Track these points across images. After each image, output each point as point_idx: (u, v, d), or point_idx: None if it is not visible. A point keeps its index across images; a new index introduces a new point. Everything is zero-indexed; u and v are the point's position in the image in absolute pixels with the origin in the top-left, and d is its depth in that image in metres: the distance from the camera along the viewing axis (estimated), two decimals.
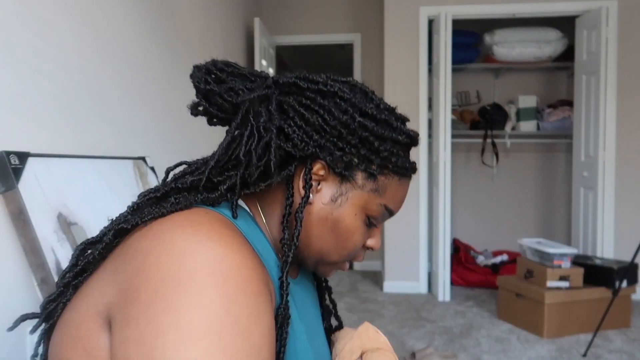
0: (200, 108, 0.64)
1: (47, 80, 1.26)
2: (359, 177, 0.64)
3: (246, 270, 0.51)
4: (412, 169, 0.67)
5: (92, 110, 1.49)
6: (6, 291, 1.06)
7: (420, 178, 3.59)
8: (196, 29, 2.52)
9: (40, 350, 0.63)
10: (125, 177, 1.51)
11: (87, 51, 1.47)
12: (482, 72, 4.23)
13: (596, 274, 2.80)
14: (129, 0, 1.75)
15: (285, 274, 0.60)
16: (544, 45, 3.82)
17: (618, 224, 3.39)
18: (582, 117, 3.52)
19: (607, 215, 3.38)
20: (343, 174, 0.63)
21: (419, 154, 3.57)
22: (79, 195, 1.23)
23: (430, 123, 3.63)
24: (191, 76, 0.63)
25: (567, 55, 3.85)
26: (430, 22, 3.56)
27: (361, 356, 0.75)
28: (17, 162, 1.06)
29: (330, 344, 0.81)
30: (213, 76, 0.62)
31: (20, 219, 1.04)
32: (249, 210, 0.66)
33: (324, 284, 0.83)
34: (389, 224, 3.63)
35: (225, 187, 0.61)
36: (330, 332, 0.84)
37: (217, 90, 0.61)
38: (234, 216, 0.60)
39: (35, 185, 1.09)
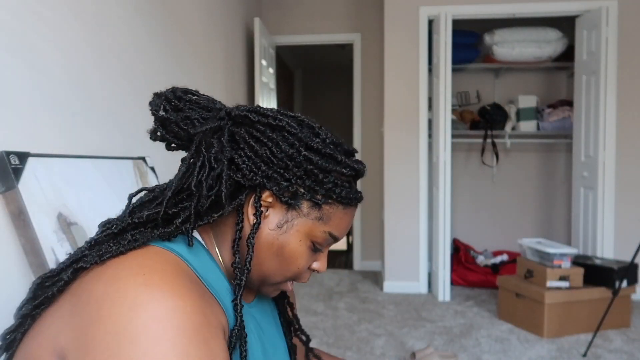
0: (159, 134, 0.66)
1: (47, 81, 1.27)
2: (305, 206, 0.67)
3: (197, 316, 0.53)
4: (356, 199, 0.70)
5: (92, 110, 1.49)
6: (6, 291, 1.06)
7: (420, 178, 3.59)
8: (196, 29, 2.52)
9: None
10: (125, 177, 1.51)
11: (87, 51, 1.47)
12: (482, 72, 4.23)
13: (596, 274, 2.80)
14: (129, 1, 1.75)
15: (239, 296, 0.63)
16: (544, 45, 3.82)
17: (618, 224, 3.39)
18: (582, 117, 3.52)
19: (607, 215, 3.38)
20: (289, 203, 0.66)
21: (419, 154, 3.57)
22: (79, 195, 1.23)
23: (430, 123, 3.63)
24: (150, 103, 0.66)
25: (567, 55, 3.84)
26: (430, 22, 3.56)
27: None
28: (17, 162, 1.06)
29: None
30: (173, 104, 0.65)
31: (20, 219, 1.04)
32: (201, 240, 0.68)
33: (285, 301, 0.85)
34: (389, 224, 3.63)
35: (179, 220, 0.63)
36: (293, 350, 0.85)
37: (174, 119, 0.64)
38: (190, 244, 0.63)
39: (35, 185, 1.09)
